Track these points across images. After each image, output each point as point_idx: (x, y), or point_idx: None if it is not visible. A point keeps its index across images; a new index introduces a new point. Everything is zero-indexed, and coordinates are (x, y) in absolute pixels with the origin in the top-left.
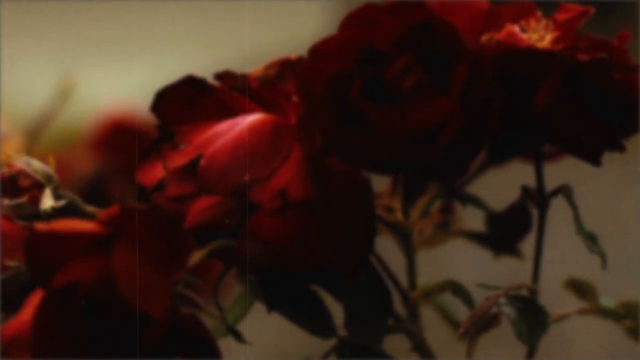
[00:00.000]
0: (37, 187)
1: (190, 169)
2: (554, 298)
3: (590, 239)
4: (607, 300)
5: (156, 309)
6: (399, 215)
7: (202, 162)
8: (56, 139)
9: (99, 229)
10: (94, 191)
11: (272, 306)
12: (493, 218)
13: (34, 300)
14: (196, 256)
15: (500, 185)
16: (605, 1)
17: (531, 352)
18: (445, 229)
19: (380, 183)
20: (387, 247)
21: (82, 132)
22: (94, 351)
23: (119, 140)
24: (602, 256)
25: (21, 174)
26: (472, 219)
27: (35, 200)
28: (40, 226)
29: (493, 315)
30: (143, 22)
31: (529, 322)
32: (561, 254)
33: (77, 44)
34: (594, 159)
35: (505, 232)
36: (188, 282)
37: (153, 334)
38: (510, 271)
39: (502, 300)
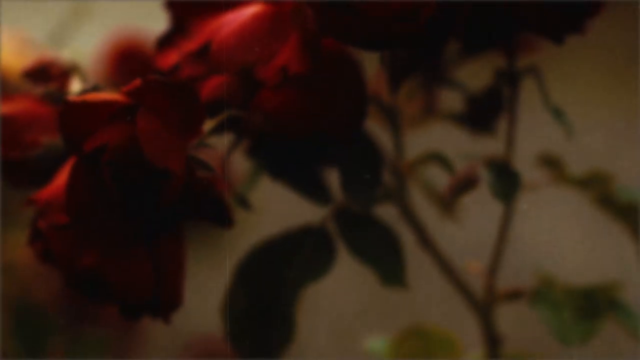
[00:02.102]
0: (65, 76)
1: (201, 54)
2: (528, 174)
3: (557, 113)
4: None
5: (175, 165)
6: (386, 96)
7: (213, 46)
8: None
9: (124, 99)
10: None
11: (275, 176)
12: (471, 99)
13: (66, 169)
14: (208, 124)
15: (480, 79)
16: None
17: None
18: (428, 111)
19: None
20: (375, 132)
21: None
22: (121, 207)
23: (128, 65)
24: (568, 127)
25: (51, 64)
26: (452, 105)
27: (64, 86)
28: (73, 98)
29: (472, 179)
30: None
31: (503, 183)
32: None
33: None
34: (558, 39)
35: (482, 112)
36: (202, 144)
37: (172, 187)
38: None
39: (480, 166)
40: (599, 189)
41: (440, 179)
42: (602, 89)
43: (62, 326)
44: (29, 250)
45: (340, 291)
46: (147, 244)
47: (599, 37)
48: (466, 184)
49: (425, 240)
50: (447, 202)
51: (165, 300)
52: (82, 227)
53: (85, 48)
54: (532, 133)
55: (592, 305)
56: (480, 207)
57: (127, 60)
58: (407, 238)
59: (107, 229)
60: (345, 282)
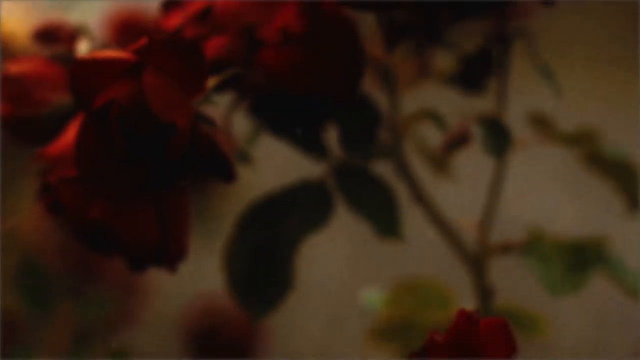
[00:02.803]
0: (73, 37)
1: (205, 16)
2: (519, 133)
3: (546, 72)
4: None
5: (181, 119)
6: (382, 58)
7: (216, 8)
8: None
9: (131, 57)
10: None
11: (276, 132)
12: (463, 60)
13: (75, 125)
14: (212, 82)
15: (474, 42)
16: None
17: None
18: (422, 72)
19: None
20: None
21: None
22: (128, 161)
23: (131, 33)
24: (557, 87)
25: (59, 26)
26: (445, 66)
27: (72, 48)
28: (83, 56)
29: (464, 136)
30: None
31: (495, 139)
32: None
33: None
34: (549, 2)
35: (474, 72)
36: (206, 101)
37: (178, 142)
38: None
39: (472, 123)
40: (589, 147)
41: (434, 137)
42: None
43: (68, 287)
44: (32, 214)
45: (336, 245)
46: (153, 197)
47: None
48: (459, 140)
49: (420, 196)
50: (441, 159)
51: (170, 251)
52: (90, 180)
53: (89, 15)
54: (525, 96)
55: (581, 258)
56: (473, 165)
57: (130, 27)
58: (403, 194)
59: (115, 182)
60: (340, 236)
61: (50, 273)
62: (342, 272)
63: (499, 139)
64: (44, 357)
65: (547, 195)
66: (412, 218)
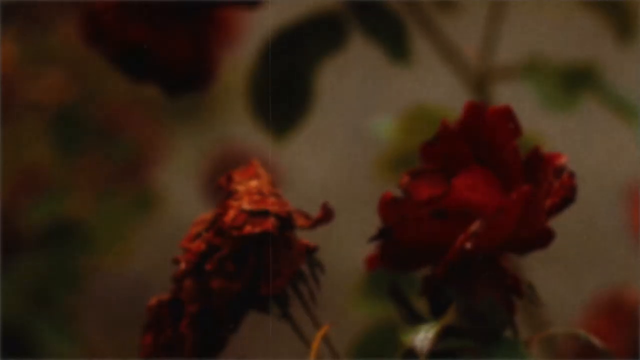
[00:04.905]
0: None
1: None
2: None
3: None
4: None
5: None
6: None
7: None
8: None
9: None
10: None
11: None
12: None
13: None
14: None
15: None
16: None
17: None
18: None
19: None
20: None
21: None
22: None
23: None
24: None
25: None
26: None
27: None
28: None
29: None
30: None
31: None
32: None
33: None
34: None
35: None
36: None
37: None
38: None
39: None
40: None
41: None
42: None
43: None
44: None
45: (345, 73)
46: (189, 21)
47: None
48: None
49: (429, 27)
50: None
51: (202, 71)
52: (131, 5)
53: None
54: None
55: (575, 80)
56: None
57: None
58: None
59: (154, 7)
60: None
61: (82, 121)
62: (350, 100)
63: None
64: (74, 199)
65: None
66: (420, 48)
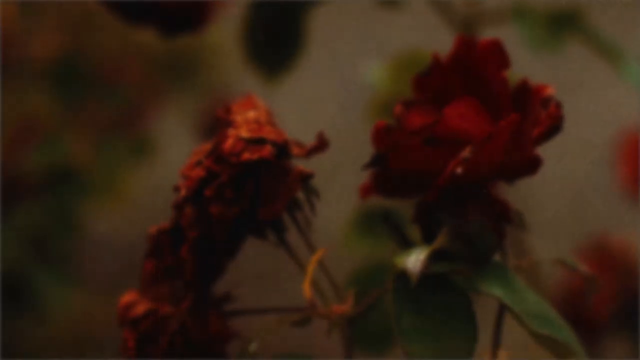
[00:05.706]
0: None
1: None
2: None
3: None
4: None
5: None
6: None
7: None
8: None
9: None
10: None
11: None
12: None
13: None
14: None
15: None
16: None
17: None
18: None
19: None
20: None
21: None
22: None
23: None
24: None
25: None
26: None
27: None
28: None
29: None
30: None
31: None
32: None
33: None
34: None
35: None
36: None
37: None
38: None
39: None
40: None
41: None
42: None
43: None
44: None
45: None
46: None
47: None
48: None
49: None
50: None
51: (198, 13)
52: None
53: None
54: None
55: (560, 23)
56: None
57: None
58: None
59: None
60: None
61: (80, 72)
62: (340, 44)
63: None
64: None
65: None
66: None
